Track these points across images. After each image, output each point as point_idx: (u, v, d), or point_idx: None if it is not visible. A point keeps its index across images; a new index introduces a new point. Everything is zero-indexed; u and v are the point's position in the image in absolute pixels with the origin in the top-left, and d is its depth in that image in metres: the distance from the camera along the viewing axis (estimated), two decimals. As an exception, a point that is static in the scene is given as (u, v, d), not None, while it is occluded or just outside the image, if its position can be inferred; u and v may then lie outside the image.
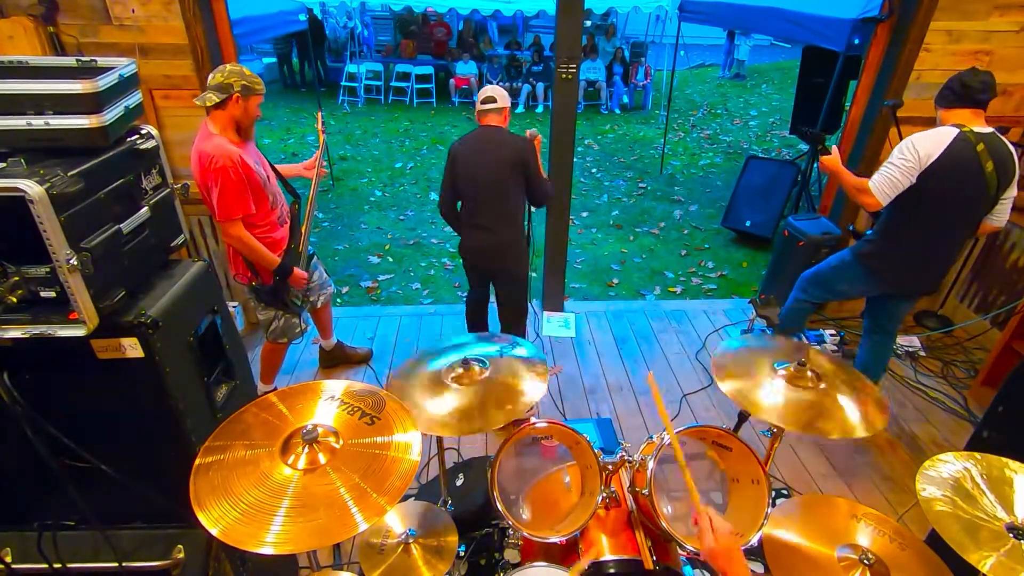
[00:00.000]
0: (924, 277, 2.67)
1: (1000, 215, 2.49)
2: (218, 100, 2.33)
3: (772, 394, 1.68)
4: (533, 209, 2.99)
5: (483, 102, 2.74)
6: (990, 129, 2.37)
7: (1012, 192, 2.44)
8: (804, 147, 2.58)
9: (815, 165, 5.07)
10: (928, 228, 2.53)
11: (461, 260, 3.09)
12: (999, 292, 3.66)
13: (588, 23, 12.43)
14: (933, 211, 2.47)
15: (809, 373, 1.72)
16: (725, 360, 1.83)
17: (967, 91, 2.36)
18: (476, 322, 3.37)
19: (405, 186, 6.91)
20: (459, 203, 2.91)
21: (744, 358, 1.85)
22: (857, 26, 3.97)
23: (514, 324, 3.18)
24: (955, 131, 2.34)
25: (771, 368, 1.76)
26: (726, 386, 1.72)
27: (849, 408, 1.64)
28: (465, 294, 3.39)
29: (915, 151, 2.35)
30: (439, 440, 1.88)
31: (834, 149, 2.66)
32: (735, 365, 1.81)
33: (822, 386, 1.69)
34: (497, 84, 10.51)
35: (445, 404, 1.64)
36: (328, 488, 1.22)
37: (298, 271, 2.69)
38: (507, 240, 2.83)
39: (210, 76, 2.35)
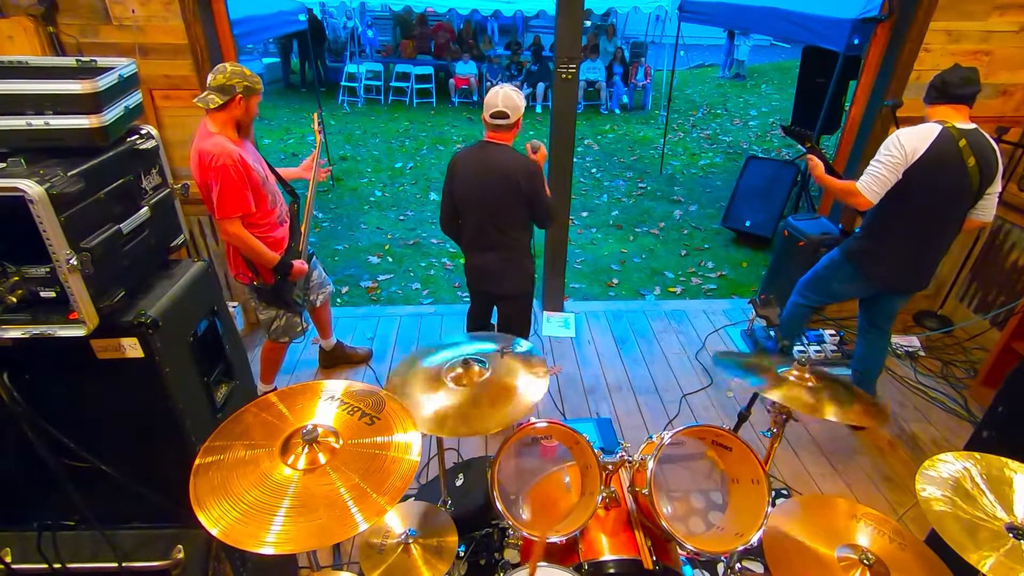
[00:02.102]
0: (913, 273, 2.68)
1: (985, 210, 2.52)
2: (221, 103, 2.32)
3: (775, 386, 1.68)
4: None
5: (493, 116, 2.41)
6: (973, 125, 2.40)
7: (996, 187, 2.47)
8: (803, 148, 2.56)
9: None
10: (913, 224, 2.54)
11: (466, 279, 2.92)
12: (999, 292, 3.66)
13: (588, 23, 12.42)
14: (918, 207, 2.49)
15: (808, 374, 1.72)
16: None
17: (947, 87, 2.40)
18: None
19: (405, 186, 6.91)
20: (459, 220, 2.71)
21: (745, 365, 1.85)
22: (857, 26, 3.97)
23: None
24: (939, 127, 2.37)
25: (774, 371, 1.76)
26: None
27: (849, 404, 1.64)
28: (465, 295, 3.39)
29: (901, 147, 2.38)
30: (439, 440, 1.88)
31: (815, 159, 2.68)
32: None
33: (822, 387, 1.69)
34: (498, 83, 10.51)
35: (443, 402, 1.63)
36: (328, 488, 1.22)
37: (296, 263, 2.69)
38: (510, 265, 2.67)
39: (210, 76, 2.34)
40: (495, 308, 2.96)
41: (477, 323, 3.08)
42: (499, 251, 2.62)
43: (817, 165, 2.67)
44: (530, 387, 1.66)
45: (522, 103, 2.44)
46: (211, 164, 2.30)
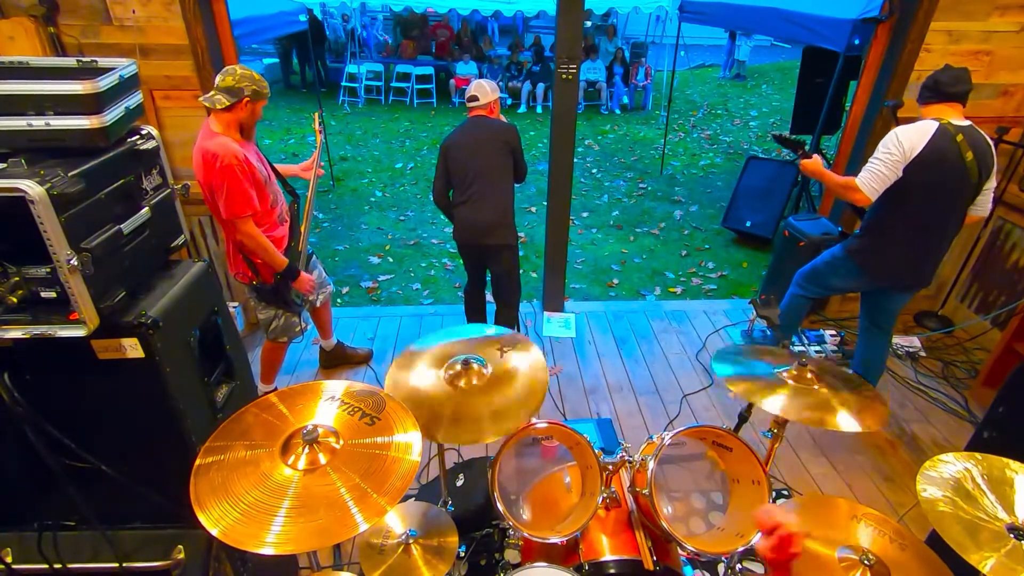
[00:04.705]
0: (915, 271, 2.68)
1: (983, 205, 2.55)
2: (228, 104, 2.33)
3: (775, 391, 1.68)
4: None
5: (468, 100, 3.03)
6: (968, 122, 2.42)
7: (992, 182, 2.49)
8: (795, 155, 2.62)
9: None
10: (915, 221, 2.55)
11: (457, 246, 3.23)
12: (999, 292, 3.66)
13: (588, 23, 12.42)
14: (918, 204, 2.50)
15: (809, 375, 1.72)
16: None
17: (939, 86, 2.43)
18: (474, 314, 3.45)
19: (405, 186, 6.90)
20: (451, 192, 3.08)
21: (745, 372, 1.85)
22: (857, 26, 3.96)
23: (508, 307, 3.28)
24: (935, 123, 2.39)
25: (773, 372, 1.76)
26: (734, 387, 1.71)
27: (850, 404, 1.64)
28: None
29: (900, 144, 2.39)
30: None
31: (815, 157, 2.70)
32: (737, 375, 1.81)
33: (823, 388, 1.69)
34: (497, 83, 10.51)
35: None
36: (328, 488, 1.22)
37: (304, 275, 2.70)
38: (498, 215, 3.00)
39: (218, 77, 2.34)
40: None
41: (474, 299, 3.42)
42: (493, 204, 3.00)
43: (813, 161, 2.67)
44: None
45: (492, 90, 3.04)
46: (216, 164, 2.30)
